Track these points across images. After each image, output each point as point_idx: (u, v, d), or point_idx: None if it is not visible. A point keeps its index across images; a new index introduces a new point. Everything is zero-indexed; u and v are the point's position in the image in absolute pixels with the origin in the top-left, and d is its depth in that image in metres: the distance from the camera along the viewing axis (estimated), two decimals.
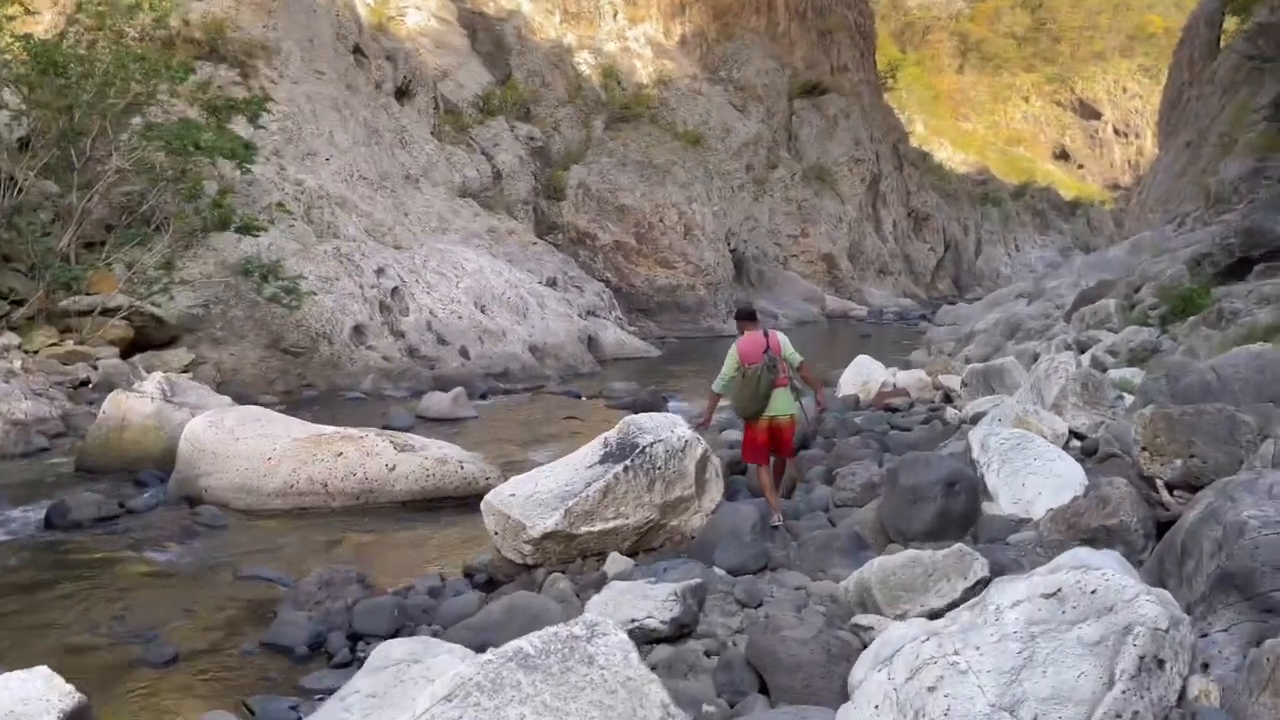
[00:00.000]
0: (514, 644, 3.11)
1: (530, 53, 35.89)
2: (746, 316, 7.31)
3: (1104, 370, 8.05)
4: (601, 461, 6.15)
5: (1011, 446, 6.33)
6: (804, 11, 49.81)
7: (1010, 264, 67.22)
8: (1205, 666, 3.21)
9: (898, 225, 51.28)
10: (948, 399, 12.44)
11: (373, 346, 18.25)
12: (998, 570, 4.92)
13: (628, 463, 6.06)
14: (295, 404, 15.15)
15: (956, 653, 3.19)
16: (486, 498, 6.20)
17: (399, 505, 8.29)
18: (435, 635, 5.18)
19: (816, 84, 47.89)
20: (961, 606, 3.49)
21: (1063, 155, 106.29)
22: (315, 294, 16.90)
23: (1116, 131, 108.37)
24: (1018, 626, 3.21)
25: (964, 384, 10.43)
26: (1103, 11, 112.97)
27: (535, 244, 26.86)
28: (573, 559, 6.07)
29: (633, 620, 4.67)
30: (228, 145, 16.53)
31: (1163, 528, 4.98)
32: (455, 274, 21.56)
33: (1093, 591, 3.18)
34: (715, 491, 6.52)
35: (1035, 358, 10.61)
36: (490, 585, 6.22)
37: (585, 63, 38.74)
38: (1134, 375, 7.18)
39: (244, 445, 8.44)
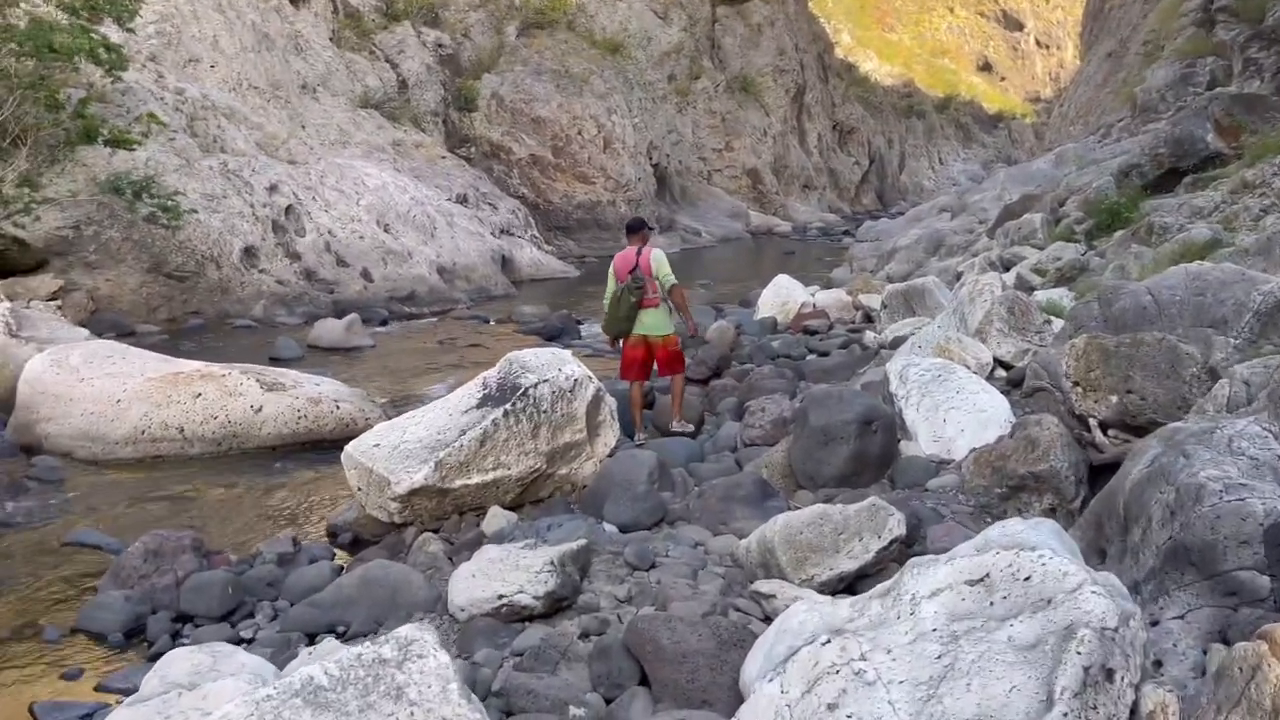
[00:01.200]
0: (305, 672, 2.41)
1: None
2: (632, 229, 7.14)
3: (1031, 291, 7.56)
4: (479, 406, 5.43)
5: (932, 378, 5.78)
6: None
7: (934, 178, 67.40)
8: (1158, 665, 2.68)
9: (822, 138, 50.60)
10: (868, 319, 11.95)
11: (265, 270, 17.07)
12: (914, 525, 4.39)
13: (508, 406, 5.35)
14: (178, 333, 14.07)
15: (863, 657, 2.60)
16: (347, 449, 5.45)
17: (267, 451, 7.48)
18: (277, 615, 4.48)
19: None
20: (871, 594, 2.89)
21: (986, 67, 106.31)
22: (196, 212, 15.61)
23: (1038, 43, 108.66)
24: (937, 623, 2.63)
25: (884, 305, 9.90)
26: None
27: (445, 158, 25.50)
28: (448, 515, 5.39)
29: (500, 597, 4.03)
30: (86, 47, 14.91)
31: (1095, 472, 4.50)
32: (356, 190, 20.27)
33: (1026, 578, 2.60)
34: (609, 436, 5.86)
35: (958, 277, 10.12)
36: (357, 545, 5.52)
37: None
38: (1062, 297, 6.69)
39: (89, 386, 7.49)
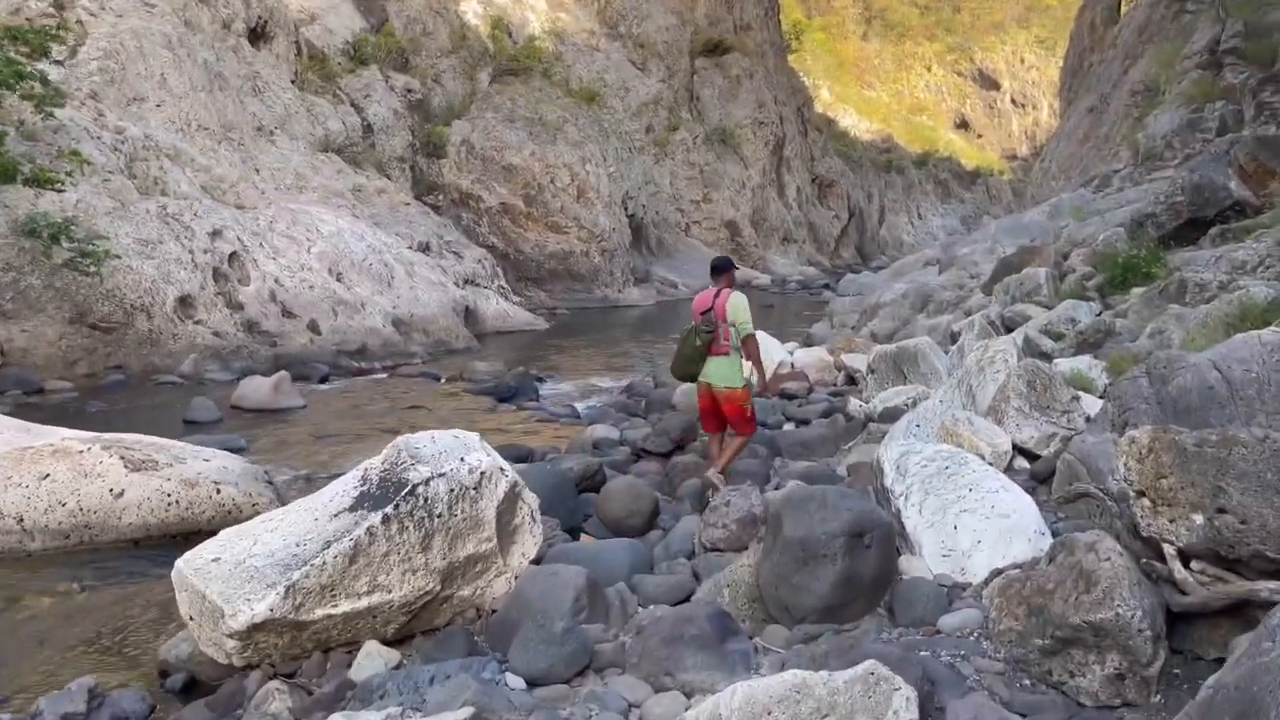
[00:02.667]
0: None
1: None
2: (718, 269, 6.63)
3: (1048, 358, 6.42)
4: (353, 508, 4.15)
5: (937, 470, 4.58)
6: None
7: (913, 232, 67.22)
8: None
9: (802, 191, 50.07)
10: (851, 381, 10.82)
11: (202, 321, 15.77)
12: (927, 693, 3.14)
13: (389, 510, 4.08)
14: (92, 391, 12.74)
15: None
16: (178, 564, 4.14)
17: (127, 546, 6.15)
18: None
19: (719, 42, 46.05)
20: None
21: (963, 124, 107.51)
22: (120, 258, 14.34)
23: (1014, 102, 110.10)
24: None
25: (870, 369, 8.73)
26: None
27: (408, 205, 24.40)
28: (308, 653, 4.09)
29: None
30: (10, 80, 13.76)
31: (1172, 618, 3.27)
32: (308, 237, 19.08)
33: None
34: (528, 542, 4.59)
35: (954, 337, 8.98)
36: (191, 692, 4.20)
37: (473, 12, 36.02)
38: (1090, 367, 5.54)
39: None
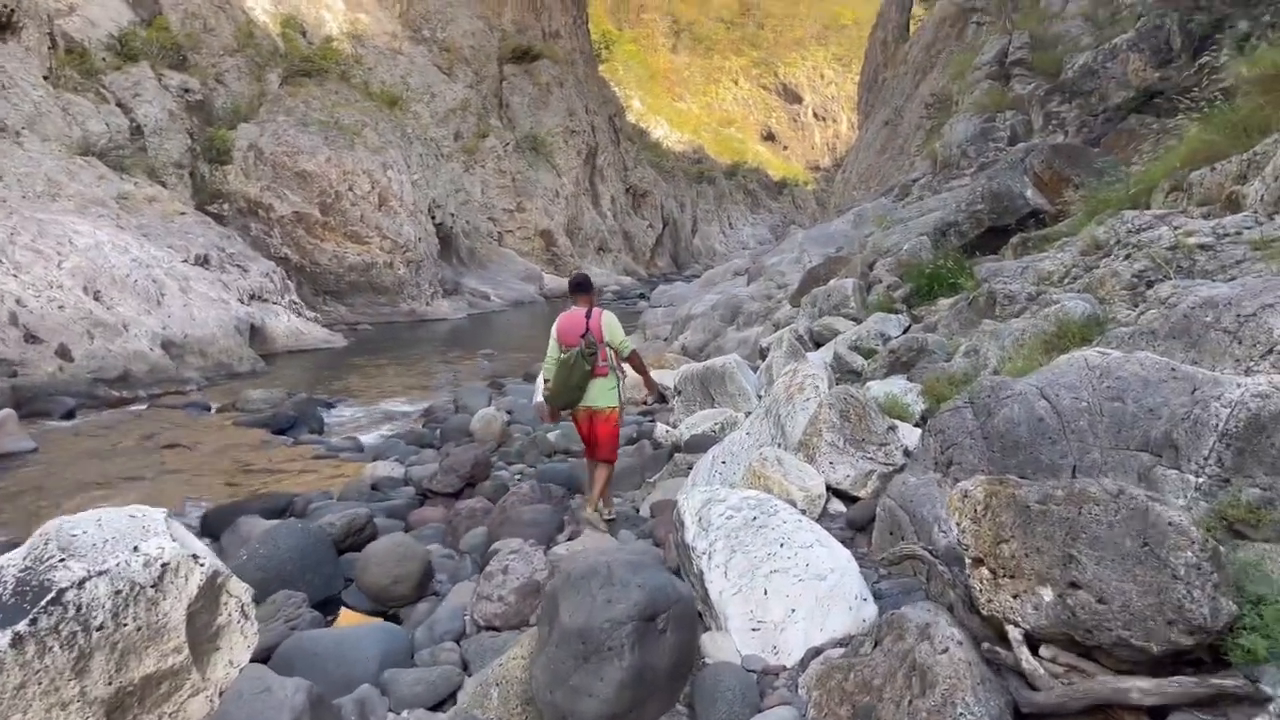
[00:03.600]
0: None
1: None
2: (575, 288, 6.31)
3: (857, 376, 5.95)
4: None
5: (744, 523, 3.91)
6: None
7: (725, 241, 68.67)
8: None
9: (616, 201, 49.94)
10: (662, 399, 10.21)
11: None
12: None
13: (22, 627, 2.99)
14: None
15: None
16: None
17: None
18: None
19: (528, 49, 45.23)
20: None
21: (770, 137, 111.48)
22: None
23: (816, 115, 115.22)
24: None
25: (677, 391, 8.10)
26: (801, 1, 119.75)
27: (184, 214, 22.18)
28: None
29: None
30: None
31: None
32: (59, 251, 16.86)
33: None
34: (238, 647, 3.57)
35: (763, 354, 8.48)
36: None
37: (260, 9, 33.66)
38: (905, 392, 5.06)
39: None
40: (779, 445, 4.79)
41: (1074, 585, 2.60)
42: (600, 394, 6.07)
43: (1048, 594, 2.66)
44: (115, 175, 21.68)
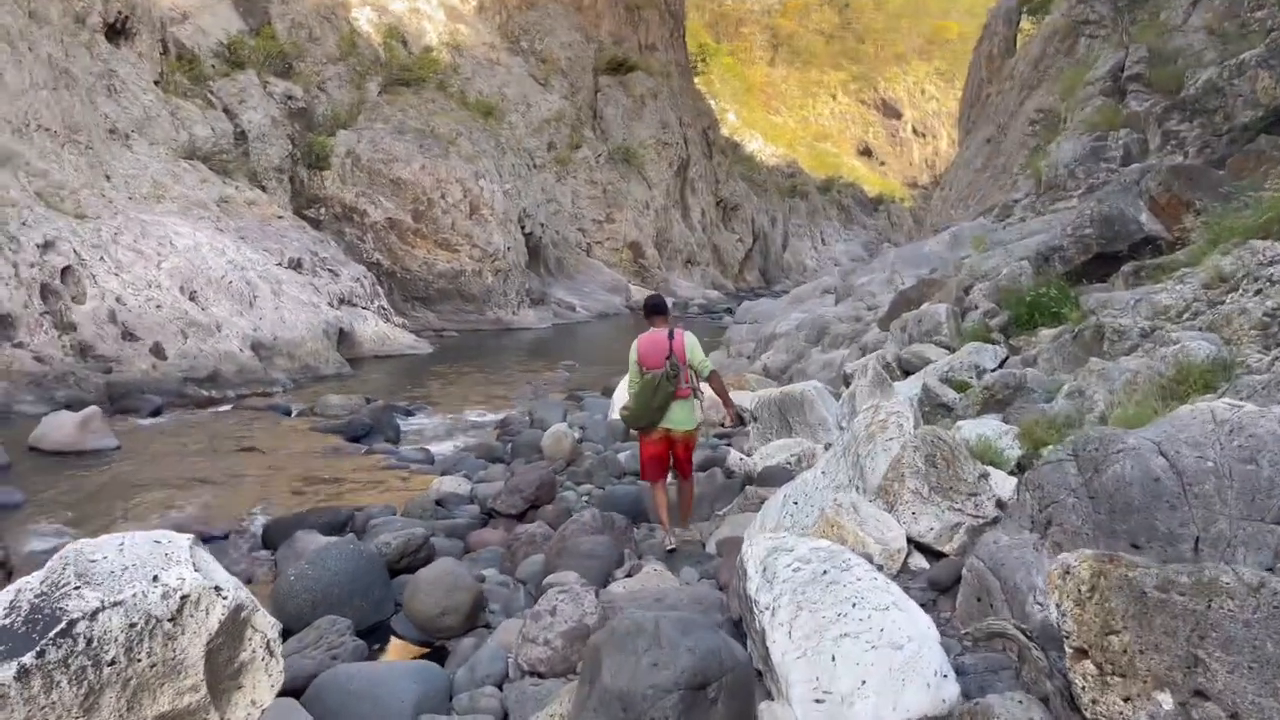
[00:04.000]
0: None
1: (296, 1, 31.23)
2: (653, 310, 6.41)
3: (948, 411, 5.51)
4: None
5: (813, 577, 3.54)
6: None
7: (816, 257, 67.67)
8: None
9: (706, 214, 49.62)
10: (740, 421, 9.84)
11: (22, 344, 13.95)
12: None
13: (28, 660, 2.82)
14: None
15: None
16: None
17: None
18: None
19: (623, 61, 45.33)
20: None
21: (866, 152, 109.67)
22: None
23: (915, 131, 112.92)
24: None
25: (754, 417, 7.72)
26: (903, 15, 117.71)
27: (281, 218, 22.69)
28: None
29: None
30: None
31: None
32: (159, 251, 17.37)
33: None
34: (262, 686, 3.36)
35: (847, 381, 8.05)
36: None
37: (365, 19, 34.43)
38: (1000, 435, 4.59)
39: None
40: (857, 489, 4.39)
41: (1200, 695, 2.18)
42: (682, 416, 6.09)
43: (1167, 702, 2.24)
44: (218, 179, 22.33)
